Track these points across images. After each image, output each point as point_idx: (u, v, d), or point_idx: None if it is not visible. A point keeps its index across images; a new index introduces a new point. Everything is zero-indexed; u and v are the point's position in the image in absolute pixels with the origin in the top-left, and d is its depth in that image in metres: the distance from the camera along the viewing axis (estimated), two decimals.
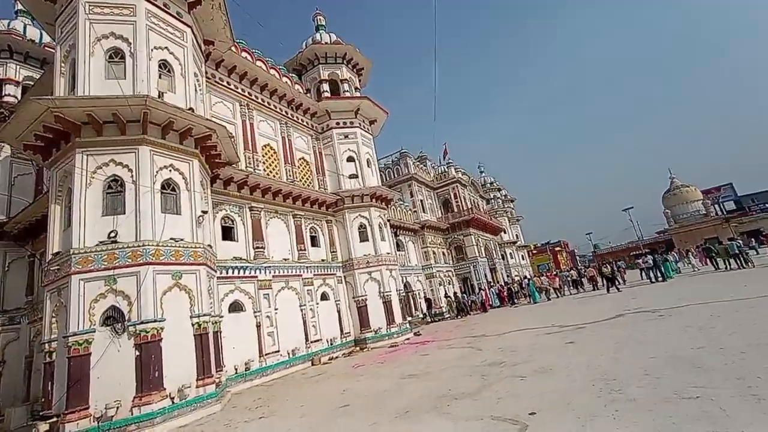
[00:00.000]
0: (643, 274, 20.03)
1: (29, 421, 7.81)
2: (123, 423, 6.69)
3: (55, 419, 6.81)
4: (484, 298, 21.91)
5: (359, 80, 20.11)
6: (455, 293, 24.32)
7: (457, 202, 30.54)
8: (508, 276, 37.29)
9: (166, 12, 9.96)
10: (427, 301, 23.26)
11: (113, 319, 7.23)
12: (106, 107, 7.78)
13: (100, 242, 7.49)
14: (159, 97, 8.61)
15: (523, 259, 45.66)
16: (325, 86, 18.14)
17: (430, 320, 22.14)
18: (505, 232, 42.20)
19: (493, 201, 44.99)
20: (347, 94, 18.23)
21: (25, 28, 15.68)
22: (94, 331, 7.05)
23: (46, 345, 7.49)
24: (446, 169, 32.12)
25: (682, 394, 4.15)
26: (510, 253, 42.01)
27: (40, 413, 7.21)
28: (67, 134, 8.19)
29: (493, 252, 34.36)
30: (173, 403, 7.21)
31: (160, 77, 8.98)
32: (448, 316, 22.59)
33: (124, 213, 7.80)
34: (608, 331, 8.77)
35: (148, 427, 6.74)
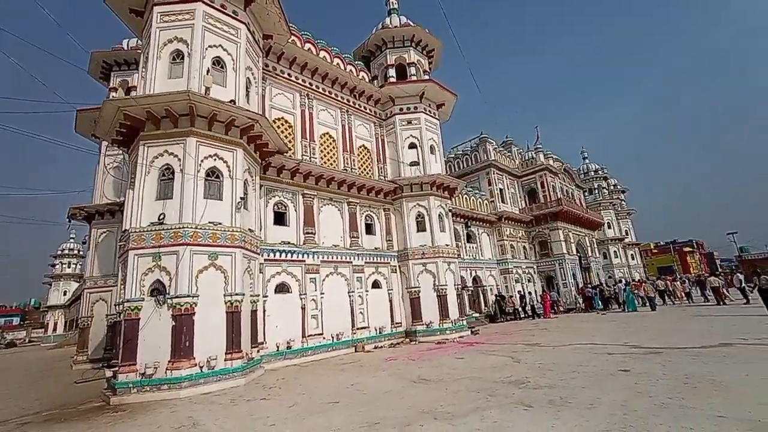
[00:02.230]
0: None
1: (102, 366, 9.58)
2: (158, 382, 7.65)
3: (117, 368, 8.15)
4: (544, 302, 19.36)
5: (429, 63, 19.17)
6: (498, 294, 22.29)
7: (544, 191, 27.26)
8: (609, 277, 32.50)
9: (222, 12, 10.69)
10: (498, 298, 21.55)
11: (157, 291, 8.26)
12: (159, 104, 8.77)
13: (152, 223, 8.59)
14: (206, 92, 9.36)
15: (632, 258, 39.00)
16: (392, 71, 17.70)
17: (499, 319, 20.50)
18: (609, 227, 36.62)
19: (597, 191, 39.22)
20: (413, 78, 17.52)
21: None
22: (143, 300, 8.17)
23: (117, 307, 8.96)
24: (534, 155, 28.81)
25: None
26: (614, 252, 36.37)
27: (109, 362, 8.69)
28: (137, 130, 9.52)
29: (588, 249, 30.00)
30: (201, 371, 7.96)
31: (207, 73, 9.73)
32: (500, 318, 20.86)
33: (172, 198, 8.79)
34: (689, 364, 6.78)
35: (177, 389, 7.59)
